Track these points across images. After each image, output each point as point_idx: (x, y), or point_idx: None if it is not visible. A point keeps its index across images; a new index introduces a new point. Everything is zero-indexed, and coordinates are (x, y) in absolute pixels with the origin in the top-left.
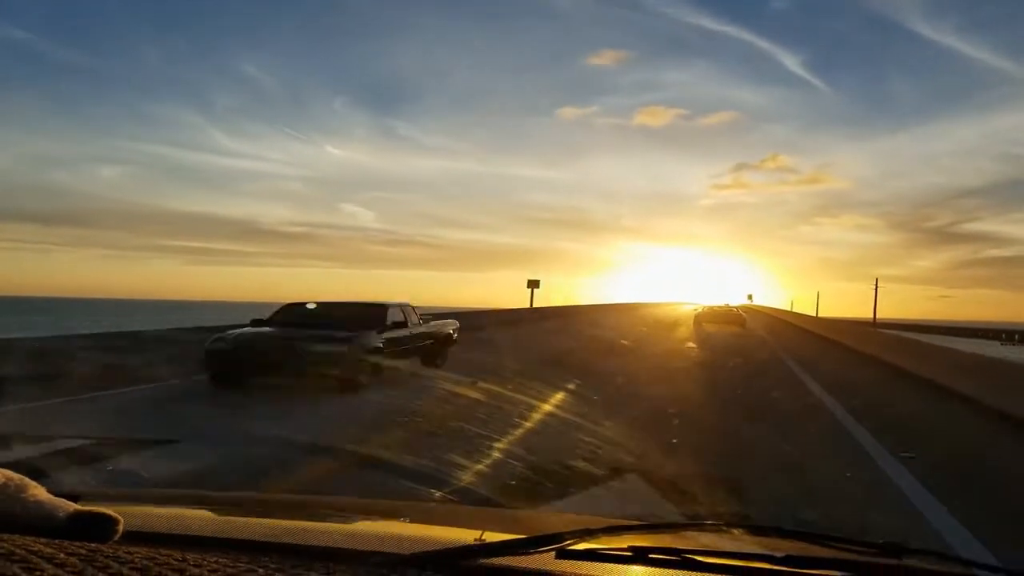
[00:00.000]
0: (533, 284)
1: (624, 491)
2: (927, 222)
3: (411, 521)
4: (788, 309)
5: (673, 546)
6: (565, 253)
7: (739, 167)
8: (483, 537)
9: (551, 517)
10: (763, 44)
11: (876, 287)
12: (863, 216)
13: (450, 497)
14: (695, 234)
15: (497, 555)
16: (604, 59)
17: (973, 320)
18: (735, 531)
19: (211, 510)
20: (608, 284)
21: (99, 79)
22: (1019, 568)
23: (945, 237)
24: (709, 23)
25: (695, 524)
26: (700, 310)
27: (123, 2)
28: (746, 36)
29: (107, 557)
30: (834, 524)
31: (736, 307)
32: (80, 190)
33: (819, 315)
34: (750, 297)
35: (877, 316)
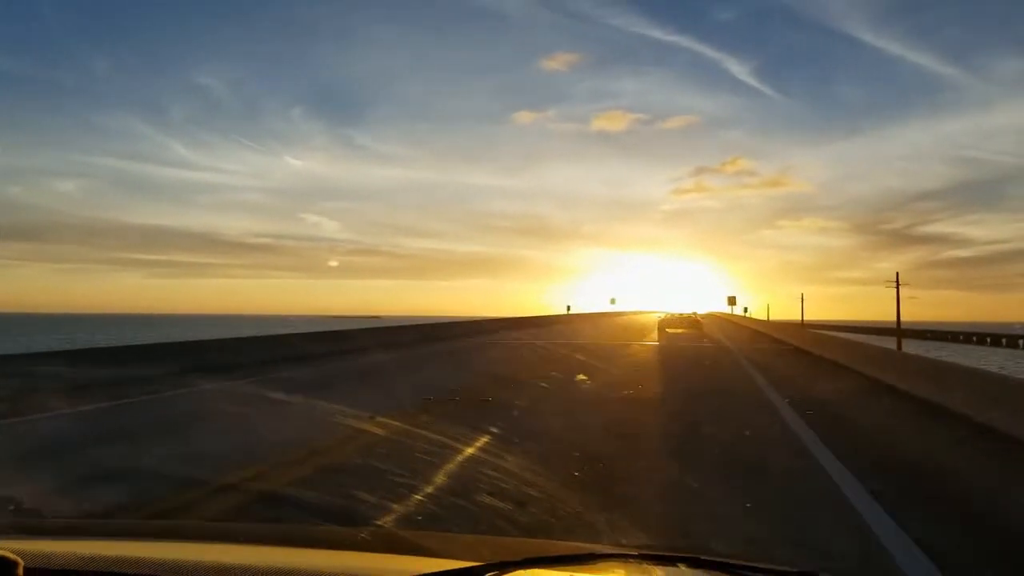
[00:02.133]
0: None
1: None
2: (886, 225)
3: (323, 547)
4: (759, 318)
5: None
6: (527, 261)
7: (699, 171)
8: (397, 564)
9: (466, 541)
10: (715, 52)
11: (897, 283)
12: (825, 219)
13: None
14: (658, 239)
15: None
16: (558, 63)
17: (943, 321)
18: (647, 563)
19: (123, 541)
20: (572, 292)
21: (49, 91)
22: None
23: (904, 239)
24: (659, 33)
25: (610, 555)
26: (664, 317)
27: (72, 12)
28: (697, 46)
29: None
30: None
31: (697, 314)
32: (35, 204)
33: (804, 321)
34: (731, 300)
35: (857, 319)
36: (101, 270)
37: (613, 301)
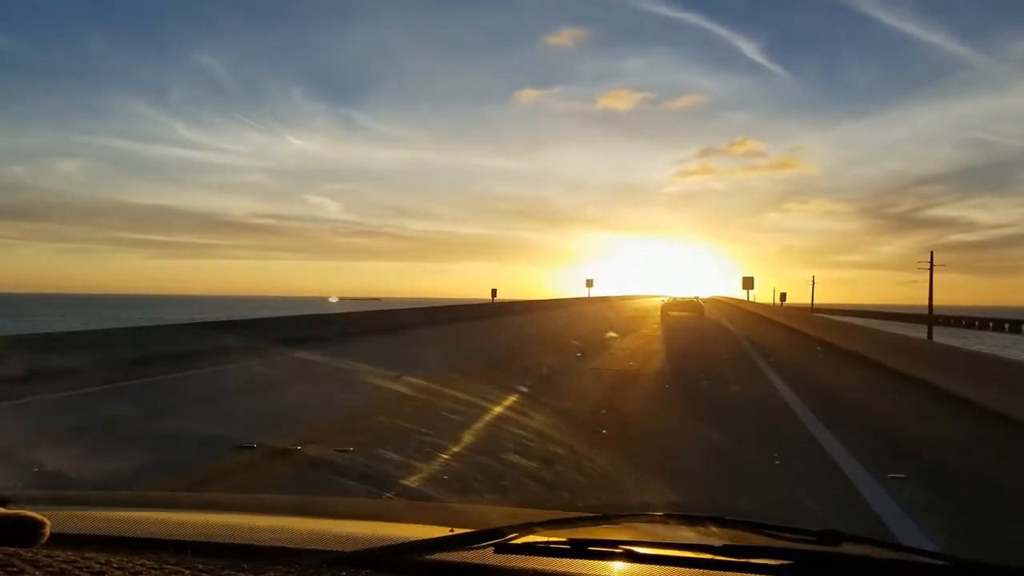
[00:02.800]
0: None
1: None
2: (891, 208)
3: (348, 518)
4: (761, 301)
5: (612, 538)
6: (530, 244)
7: (705, 152)
8: (422, 533)
9: (491, 511)
10: (724, 30)
11: (931, 265)
12: (831, 202)
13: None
14: (661, 222)
15: (436, 551)
16: (563, 38)
17: (945, 305)
18: (673, 521)
19: (142, 510)
20: (575, 275)
21: (51, 72)
22: (954, 555)
23: (909, 223)
24: (666, 9)
25: (634, 515)
26: (667, 301)
27: None
28: (706, 23)
29: (24, 561)
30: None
31: (700, 299)
32: (38, 184)
33: (813, 306)
34: (747, 283)
35: (859, 303)
36: (103, 250)
37: (590, 284)
